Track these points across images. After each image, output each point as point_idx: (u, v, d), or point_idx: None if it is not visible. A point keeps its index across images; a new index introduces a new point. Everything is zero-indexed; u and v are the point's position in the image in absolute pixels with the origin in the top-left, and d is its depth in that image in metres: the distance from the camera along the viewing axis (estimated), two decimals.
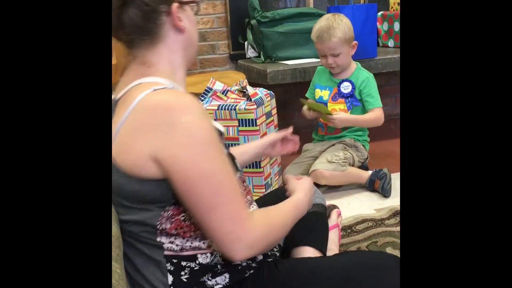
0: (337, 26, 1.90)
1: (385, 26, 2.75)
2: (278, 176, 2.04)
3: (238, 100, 1.83)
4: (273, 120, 1.98)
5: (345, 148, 2.01)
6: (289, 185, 1.05)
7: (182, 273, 0.84)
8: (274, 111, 2.01)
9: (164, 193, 0.79)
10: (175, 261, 0.84)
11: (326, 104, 2.05)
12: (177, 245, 0.84)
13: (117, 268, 0.76)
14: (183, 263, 0.84)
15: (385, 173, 1.95)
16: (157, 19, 0.85)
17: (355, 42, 1.98)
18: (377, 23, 2.73)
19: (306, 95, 2.19)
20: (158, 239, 0.83)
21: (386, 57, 2.39)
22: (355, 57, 2.28)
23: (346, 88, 2.01)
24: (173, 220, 0.82)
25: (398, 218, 1.67)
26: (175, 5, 0.86)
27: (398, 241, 1.50)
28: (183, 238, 0.83)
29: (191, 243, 0.84)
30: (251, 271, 0.90)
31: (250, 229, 0.80)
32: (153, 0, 0.84)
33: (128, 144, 0.78)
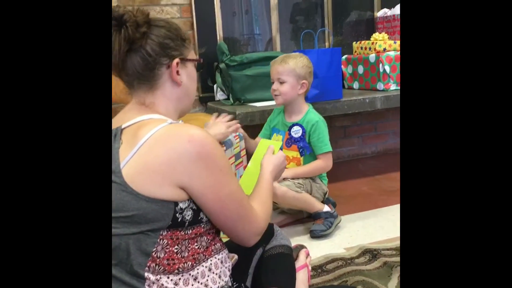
0: (293, 57, 1.97)
1: (349, 69, 2.85)
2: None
3: None
4: (242, 161, 2.00)
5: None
6: (263, 159, 1.24)
7: None
8: (243, 152, 2.03)
9: (167, 213, 0.85)
10: None
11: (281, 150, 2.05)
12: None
13: None
14: None
15: (333, 222, 1.97)
16: (157, 69, 0.94)
17: (306, 82, 1.97)
18: (342, 66, 2.83)
19: (260, 134, 2.19)
20: (145, 274, 0.85)
21: (351, 99, 2.46)
22: (321, 99, 2.35)
23: (296, 132, 2.01)
24: (167, 250, 0.86)
25: (367, 257, 1.68)
26: (175, 61, 0.95)
27: (368, 279, 1.51)
28: (170, 273, 0.86)
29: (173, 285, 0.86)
30: None
31: (259, 222, 0.99)
32: (156, 52, 0.92)
33: (148, 167, 0.84)
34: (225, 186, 0.89)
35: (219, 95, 2.69)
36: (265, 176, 1.16)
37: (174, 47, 0.95)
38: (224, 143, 1.81)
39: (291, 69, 1.94)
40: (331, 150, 1.99)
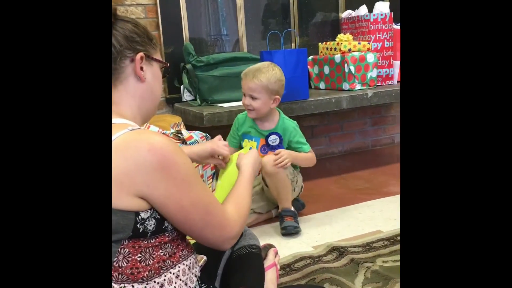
0: (265, 71, 1.93)
1: (315, 70, 2.88)
2: (211, 180, 2.01)
3: None
4: (209, 162, 1.99)
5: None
6: (238, 160, 1.25)
7: None
8: None
9: (127, 224, 0.82)
10: None
11: None
12: None
13: None
14: None
15: (298, 220, 2.01)
16: (119, 60, 0.91)
17: (278, 97, 1.98)
18: (308, 66, 2.86)
19: (229, 143, 2.15)
20: None
21: (318, 99, 2.49)
22: (288, 99, 2.37)
23: (274, 141, 2.05)
24: (129, 259, 0.83)
25: (334, 254, 1.71)
26: (140, 55, 0.93)
27: (336, 277, 1.53)
28: (134, 282, 0.84)
29: None
30: None
31: (233, 226, 0.95)
32: (120, 43, 0.91)
33: None
34: (189, 194, 0.86)
35: (186, 96, 2.67)
36: (246, 173, 1.15)
37: (140, 42, 0.94)
38: (190, 144, 1.80)
39: (263, 86, 1.93)
40: (311, 148, 2.09)
